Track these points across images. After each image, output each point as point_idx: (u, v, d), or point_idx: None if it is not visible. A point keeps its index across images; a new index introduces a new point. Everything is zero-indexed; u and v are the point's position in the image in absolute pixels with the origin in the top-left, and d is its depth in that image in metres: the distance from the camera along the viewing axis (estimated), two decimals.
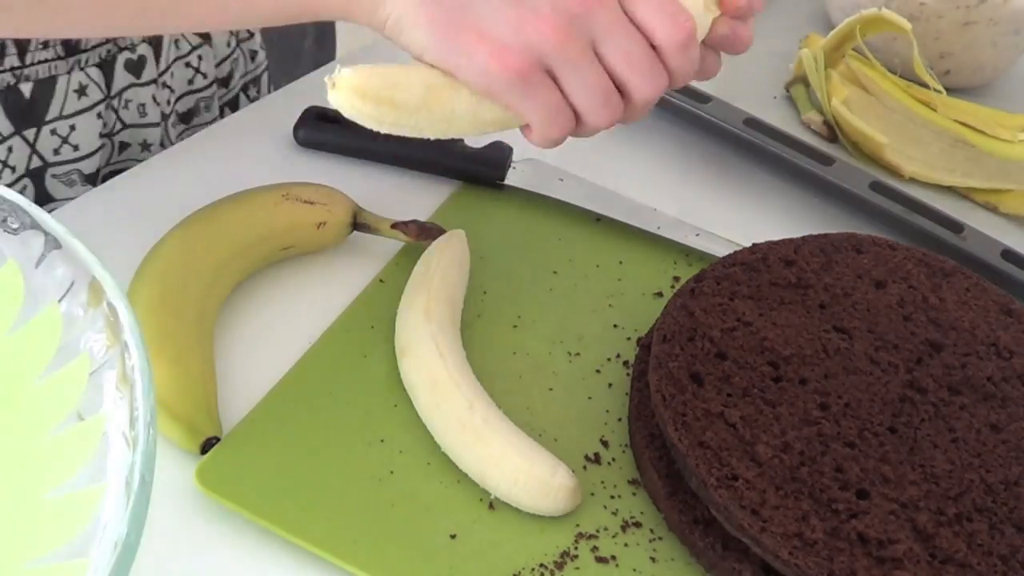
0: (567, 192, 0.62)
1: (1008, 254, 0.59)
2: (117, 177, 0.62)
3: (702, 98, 0.66)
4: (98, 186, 0.62)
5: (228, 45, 0.74)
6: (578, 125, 0.45)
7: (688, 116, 0.67)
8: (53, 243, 0.39)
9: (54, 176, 0.64)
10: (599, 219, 0.61)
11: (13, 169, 0.62)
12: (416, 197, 0.61)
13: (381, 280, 0.55)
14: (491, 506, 0.45)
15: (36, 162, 0.63)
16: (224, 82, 0.76)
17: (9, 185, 0.61)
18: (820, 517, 0.40)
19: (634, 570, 0.43)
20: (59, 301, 0.39)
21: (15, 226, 0.40)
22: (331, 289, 0.54)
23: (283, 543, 0.43)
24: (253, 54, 0.79)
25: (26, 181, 0.63)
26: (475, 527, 0.44)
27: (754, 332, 0.47)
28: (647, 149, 0.69)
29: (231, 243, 0.52)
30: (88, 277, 0.38)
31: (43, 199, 0.64)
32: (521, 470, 0.43)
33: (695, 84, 0.67)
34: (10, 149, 0.61)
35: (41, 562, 0.34)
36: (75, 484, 0.36)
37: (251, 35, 0.78)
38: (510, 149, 0.62)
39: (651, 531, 0.45)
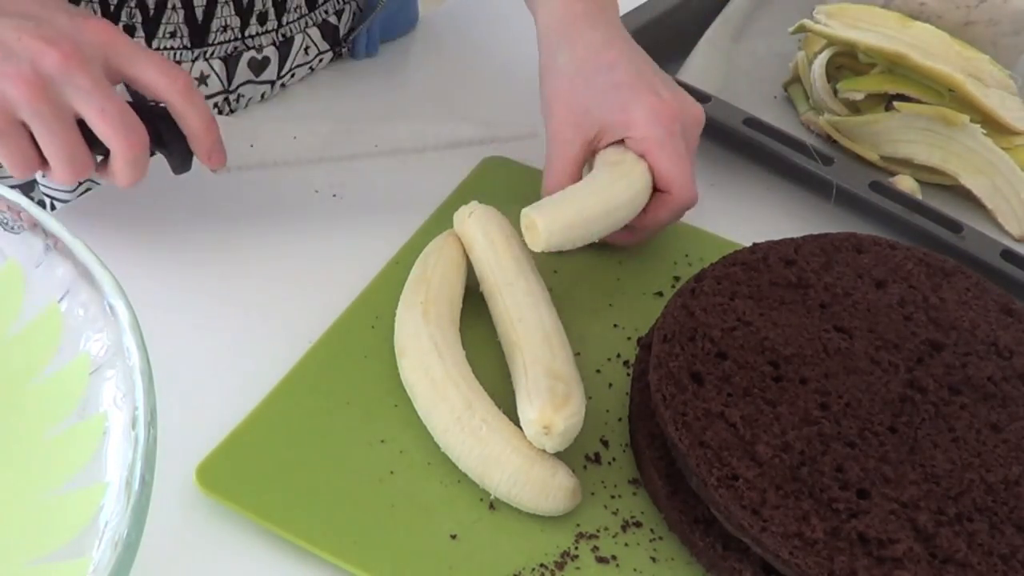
0: None
1: (1008, 254, 0.59)
2: None
3: (702, 98, 0.66)
4: (98, 186, 0.62)
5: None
6: (50, 173, 0.49)
7: None
8: (53, 243, 0.39)
9: None
10: None
11: None
12: (416, 197, 0.61)
13: (381, 280, 0.55)
14: (491, 506, 0.45)
15: None
16: None
17: None
18: (820, 517, 0.40)
19: (634, 570, 0.43)
20: (59, 301, 0.39)
21: (15, 226, 0.40)
22: (331, 289, 0.54)
23: (283, 543, 0.43)
24: None
25: None
26: (475, 527, 0.44)
27: (754, 332, 0.47)
28: None
29: None
30: (88, 277, 0.38)
31: None
32: (521, 470, 0.43)
33: (695, 84, 0.67)
34: None
35: (41, 562, 0.34)
36: (75, 484, 0.36)
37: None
38: None
39: (651, 531, 0.45)
